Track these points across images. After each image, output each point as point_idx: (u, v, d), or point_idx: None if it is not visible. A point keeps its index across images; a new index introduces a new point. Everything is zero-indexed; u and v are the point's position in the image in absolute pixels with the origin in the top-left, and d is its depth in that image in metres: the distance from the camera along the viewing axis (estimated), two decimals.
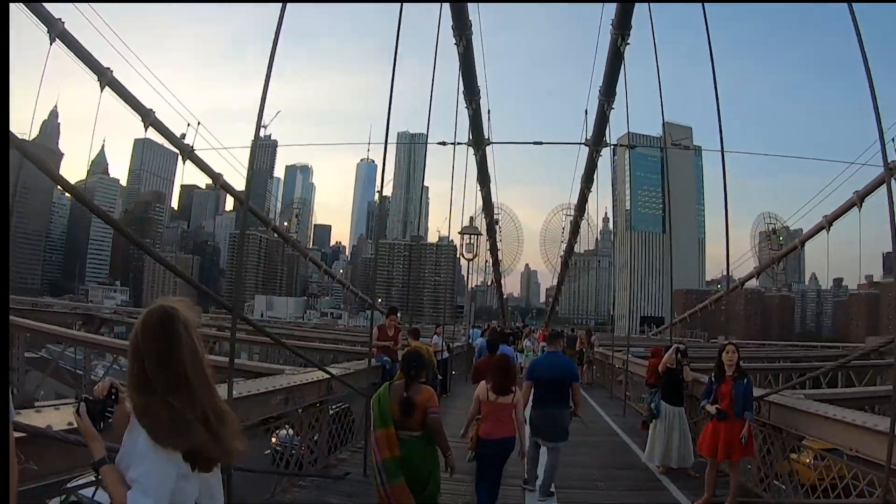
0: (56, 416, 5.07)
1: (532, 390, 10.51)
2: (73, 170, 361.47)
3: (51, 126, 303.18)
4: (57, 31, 18.78)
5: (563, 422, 10.35)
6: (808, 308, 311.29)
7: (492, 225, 46.37)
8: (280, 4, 7.46)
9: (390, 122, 13.75)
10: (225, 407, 3.11)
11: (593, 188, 38.20)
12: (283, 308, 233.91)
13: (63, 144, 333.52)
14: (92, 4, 20.87)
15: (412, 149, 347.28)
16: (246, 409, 8.26)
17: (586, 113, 29.10)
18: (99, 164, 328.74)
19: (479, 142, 28.30)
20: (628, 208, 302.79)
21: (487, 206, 39.12)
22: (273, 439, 10.88)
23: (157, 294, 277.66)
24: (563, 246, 60.21)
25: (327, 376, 11.14)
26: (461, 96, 24.30)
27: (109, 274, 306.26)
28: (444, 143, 24.86)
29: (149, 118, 23.39)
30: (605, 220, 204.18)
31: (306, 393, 10.80)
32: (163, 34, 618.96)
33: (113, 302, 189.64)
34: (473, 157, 29.61)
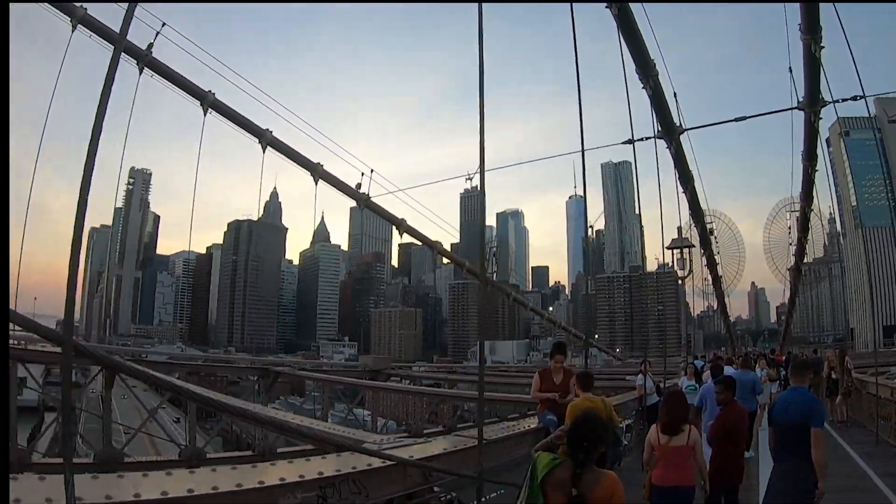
0: None
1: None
2: (299, 241, 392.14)
3: (273, 205, 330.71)
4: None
5: (799, 482, 7.48)
6: None
7: (705, 234, 40.18)
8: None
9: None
10: None
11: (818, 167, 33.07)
12: (507, 352, 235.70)
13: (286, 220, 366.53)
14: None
15: (618, 177, 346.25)
16: None
17: (790, 71, 24.53)
18: (321, 234, 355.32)
19: (670, 131, 24.49)
20: (854, 203, 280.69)
21: (696, 212, 34.23)
22: None
23: (384, 346, 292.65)
24: (793, 248, 50.71)
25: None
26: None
27: (339, 330, 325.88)
28: (629, 142, 21.33)
29: (316, 170, 26.47)
30: (831, 220, 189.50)
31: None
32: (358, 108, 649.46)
33: (341, 356, 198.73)
34: (668, 152, 25.94)
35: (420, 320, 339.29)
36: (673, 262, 28.19)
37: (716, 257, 46.93)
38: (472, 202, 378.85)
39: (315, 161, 26.22)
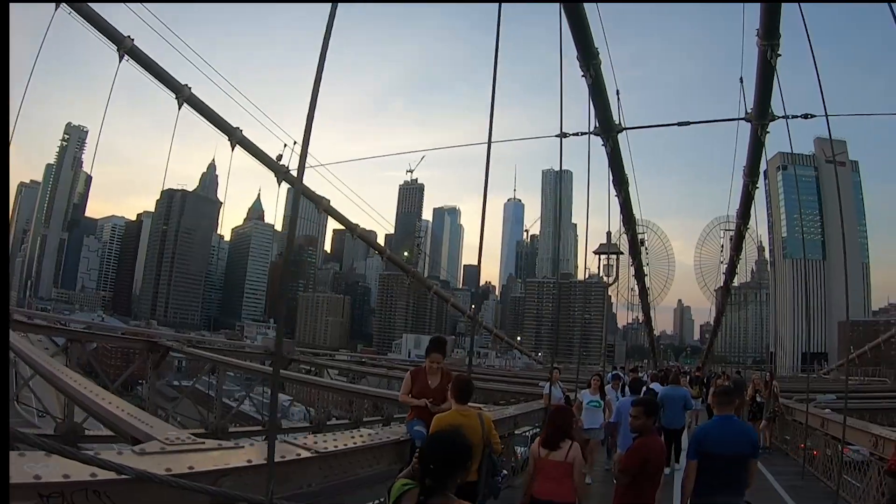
0: None
1: (697, 472, 7.22)
2: (232, 217, 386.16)
3: (210, 177, 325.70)
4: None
5: None
6: None
7: (635, 242, 38.52)
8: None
9: None
10: None
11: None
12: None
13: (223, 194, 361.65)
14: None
15: (558, 186, 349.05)
16: None
17: (741, 82, 23.48)
18: (255, 211, 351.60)
19: (608, 128, 23.09)
20: (784, 234, 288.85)
21: (628, 218, 32.89)
22: None
23: (310, 332, 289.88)
24: (724, 267, 50.45)
25: None
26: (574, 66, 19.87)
27: (265, 312, 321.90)
28: (561, 136, 19.97)
29: (234, 135, 25.93)
30: (761, 248, 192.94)
31: None
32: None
33: (263, 338, 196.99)
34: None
35: (348, 308, 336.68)
36: (599, 268, 26.95)
37: (644, 268, 45.91)
38: (410, 194, 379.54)
39: (235, 126, 25.71)
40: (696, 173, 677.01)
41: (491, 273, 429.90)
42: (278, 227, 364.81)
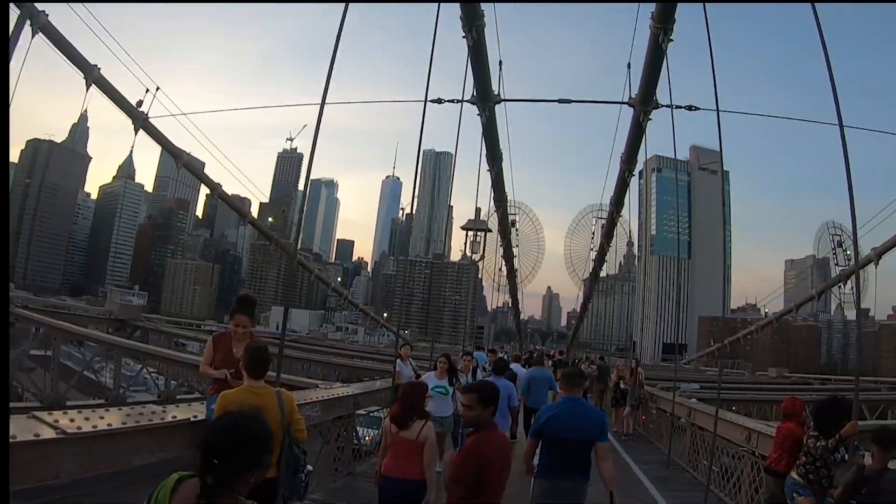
0: None
1: (539, 451, 6.95)
2: (101, 174, 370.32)
3: (80, 130, 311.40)
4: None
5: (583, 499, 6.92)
6: (835, 339, 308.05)
7: (506, 221, 37.69)
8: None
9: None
10: None
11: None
12: (302, 320, 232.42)
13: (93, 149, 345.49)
14: None
15: (437, 168, 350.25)
16: None
17: (629, 67, 23.07)
18: (125, 169, 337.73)
19: (485, 97, 22.02)
20: (654, 233, 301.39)
21: (499, 193, 31.84)
22: None
23: (177, 300, 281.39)
24: (594, 254, 49.60)
25: None
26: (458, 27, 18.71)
27: (130, 278, 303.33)
28: (439, 101, 18.78)
29: (91, 73, 23.44)
30: (630, 244, 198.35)
31: None
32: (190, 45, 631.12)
33: (133, 301, 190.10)
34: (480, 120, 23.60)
35: (217, 277, 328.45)
36: (466, 243, 25.92)
37: (514, 249, 45.34)
38: (289, 163, 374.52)
39: (93, 63, 23.25)
40: (574, 165, 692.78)
41: (364, 249, 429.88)
42: (149, 189, 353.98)
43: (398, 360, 15.00)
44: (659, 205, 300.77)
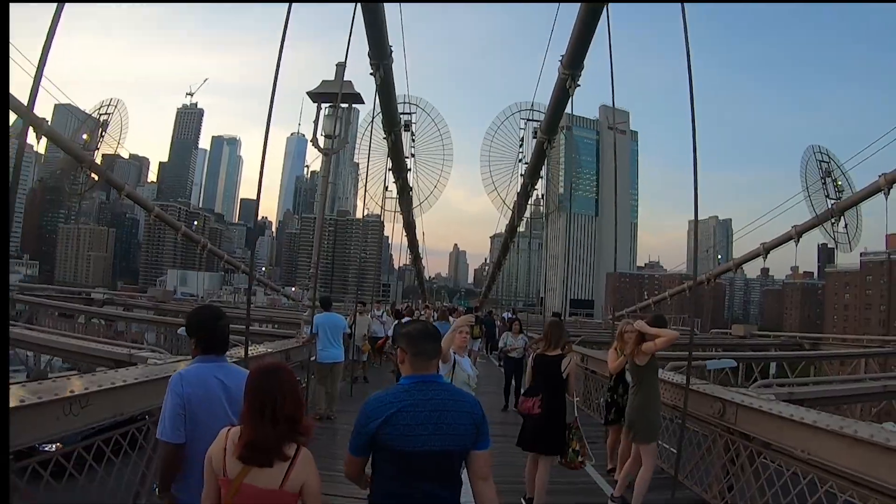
0: None
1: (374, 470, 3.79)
2: None
3: None
4: None
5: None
6: (737, 296, 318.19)
7: (392, 114, 30.23)
8: None
9: None
10: None
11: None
12: (198, 284, 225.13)
13: None
14: None
15: (347, 122, 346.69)
16: None
17: None
18: (14, 128, 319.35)
19: None
20: (562, 191, 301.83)
21: (386, 101, 25.39)
22: None
23: (71, 268, 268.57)
24: (522, 167, 40.72)
25: None
26: None
27: (20, 246, 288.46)
28: None
29: None
30: (537, 202, 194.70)
31: None
32: None
33: (17, 277, 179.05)
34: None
35: (112, 242, 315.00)
36: (318, 123, 19.17)
37: (407, 161, 37.76)
38: (188, 119, 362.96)
39: None
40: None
41: (269, 208, 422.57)
42: (41, 150, 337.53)
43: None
44: (567, 163, 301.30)
